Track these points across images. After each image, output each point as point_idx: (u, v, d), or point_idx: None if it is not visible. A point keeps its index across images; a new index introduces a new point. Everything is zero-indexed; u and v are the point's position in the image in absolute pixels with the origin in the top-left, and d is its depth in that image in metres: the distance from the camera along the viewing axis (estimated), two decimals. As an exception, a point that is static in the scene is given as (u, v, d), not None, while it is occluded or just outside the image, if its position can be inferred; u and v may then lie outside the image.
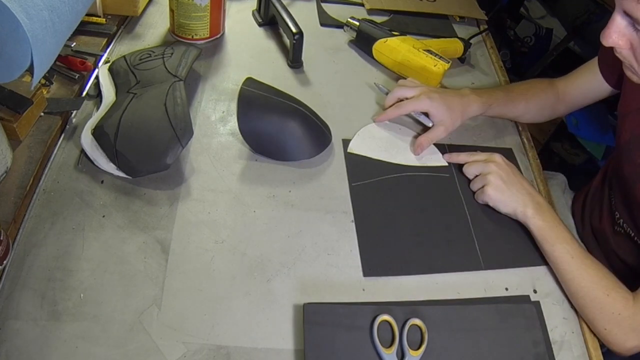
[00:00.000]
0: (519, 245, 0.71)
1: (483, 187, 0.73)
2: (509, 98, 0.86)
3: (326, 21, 1.06)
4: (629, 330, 0.60)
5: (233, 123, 0.79)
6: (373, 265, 0.65)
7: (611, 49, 0.60)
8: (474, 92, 0.83)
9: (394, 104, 0.82)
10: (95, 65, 0.84)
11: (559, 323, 0.63)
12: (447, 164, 0.80)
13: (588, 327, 0.63)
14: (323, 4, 1.10)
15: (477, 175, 0.75)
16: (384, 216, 0.71)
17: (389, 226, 0.70)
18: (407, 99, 0.81)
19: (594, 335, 0.63)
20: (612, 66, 0.81)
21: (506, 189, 0.71)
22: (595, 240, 0.89)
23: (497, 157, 0.74)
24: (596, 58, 0.85)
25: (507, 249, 0.70)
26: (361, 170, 0.76)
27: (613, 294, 0.61)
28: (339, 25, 1.04)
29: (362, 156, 0.78)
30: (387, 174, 0.76)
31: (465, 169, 0.77)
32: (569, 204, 1.00)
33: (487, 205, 0.73)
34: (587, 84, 0.87)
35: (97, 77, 0.81)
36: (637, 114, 0.74)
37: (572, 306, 0.65)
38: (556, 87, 0.90)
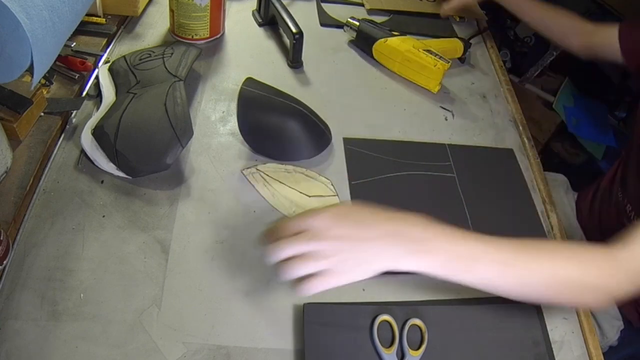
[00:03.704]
0: None
1: (322, 271, 0.47)
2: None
3: (326, 21, 1.06)
4: (622, 282, 0.52)
5: (233, 123, 0.79)
6: None
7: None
8: None
9: None
10: (95, 65, 0.84)
11: (559, 323, 0.63)
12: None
13: (585, 318, 0.63)
14: (323, 4, 1.10)
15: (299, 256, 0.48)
16: None
17: None
18: None
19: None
20: (634, 41, 0.84)
21: (360, 261, 0.48)
22: (602, 237, 0.89)
23: (320, 213, 0.49)
24: (617, 26, 0.88)
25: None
26: (361, 168, 0.76)
27: (595, 264, 0.52)
28: (339, 25, 1.04)
29: (361, 152, 0.78)
30: (386, 172, 0.76)
31: (275, 253, 0.49)
32: (572, 204, 1.00)
33: (488, 205, 0.73)
34: (605, 40, 0.90)
35: (97, 77, 0.81)
36: None
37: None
38: (585, 25, 0.95)
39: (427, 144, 0.82)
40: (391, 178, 0.76)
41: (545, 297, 0.53)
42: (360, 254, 0.48)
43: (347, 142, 0.80)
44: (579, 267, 0.51)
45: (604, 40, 0.90)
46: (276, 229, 0.50)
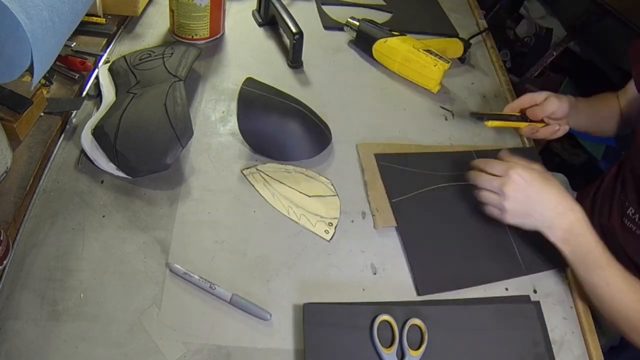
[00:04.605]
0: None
1: (500, 209, 0.66)
2: (592, 103, 0.91)
3: (328, 24, 1.05)
4: None
5: (233, 123, 0.79)
6: (427, 283, 0.64)
7: None
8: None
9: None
10: (95, 65, 0.84)
11: (559, 323, 0.63)
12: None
13: (590, 329, 0.63)
14: (323, 6, 1.10)
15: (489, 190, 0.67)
16: (428, 230, 0.70)
17: (435, 240, 0.69)
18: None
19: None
20: None
21: (526, 215, 0.65)
22: (603, 235, 0.89)
23: (514, 173, 0.64)
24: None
25: (547, 249, 0.67)
26: (399, 185, 0.74)
27: None
28: (339, 27, 1.03)
29: (395, 167, 0.77)
30: (423, 187, 0.75)
31: (475, 179, 0.68)
32: None
33: None
34: (633, 100, 0.89)
35: (97, 77, 0.81)
36: None
37: (572, 306, 0.65)
38: (618, 101, 0.93)
39: (453, 153, 0.81)
40: (429, 192, 0.74)
41: (617, 324, 0.62)
42: (527, 211, 0.64)
43: (379, 157, 0.77)
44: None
45: (630, 92, 0.89)
46: (483, 163, 0.69)
